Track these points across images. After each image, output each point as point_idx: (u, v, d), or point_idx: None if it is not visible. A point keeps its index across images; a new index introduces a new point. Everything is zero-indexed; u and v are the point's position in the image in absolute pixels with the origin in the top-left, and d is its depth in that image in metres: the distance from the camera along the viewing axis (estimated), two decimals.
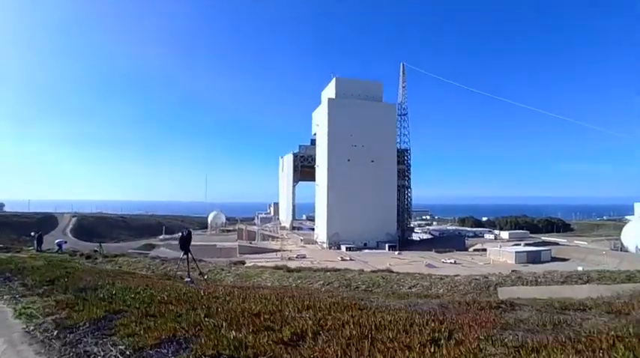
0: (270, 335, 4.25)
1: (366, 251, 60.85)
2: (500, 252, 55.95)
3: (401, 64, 76.27)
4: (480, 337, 4.23)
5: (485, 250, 60.94)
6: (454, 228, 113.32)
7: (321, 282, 21.47)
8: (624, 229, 62.20)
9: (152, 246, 67.06)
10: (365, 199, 63.99)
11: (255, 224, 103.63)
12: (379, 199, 65.24)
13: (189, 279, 12.08)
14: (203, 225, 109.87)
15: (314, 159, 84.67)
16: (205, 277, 14.00)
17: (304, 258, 53.94)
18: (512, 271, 45.86)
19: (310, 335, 4.30)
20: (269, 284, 19.94)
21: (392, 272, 26.30)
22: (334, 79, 69.65)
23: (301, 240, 70.04)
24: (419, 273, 25.85)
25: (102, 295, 6.65)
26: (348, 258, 52.96)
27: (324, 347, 3.81)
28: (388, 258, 53.58)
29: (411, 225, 78.67)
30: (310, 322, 4.73)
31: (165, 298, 6.29)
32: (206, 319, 4.94)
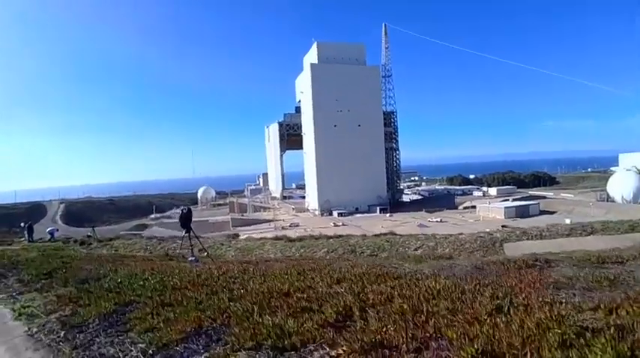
0: (312, 317, 3.74)
1: (358, 215, 61.15)
2: (490, 208, 56.84)
3: (383, 24, 74.15)
4: (545, 299, 3.80)
5: (474, 207, 61.87)
6: (442, 187, 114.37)
7: (325, 250, 21.04)
8: (610, 180, 63.49)
9: (144, 226, 66.18)
10: (354, 164, 63.65)
11: (245, 196, 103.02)
12: (368, 163, 64.98)
13: (193, 258, 11.25)
14: (193, 201, 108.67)
15: (300, 127, 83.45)
16: (207, 254, 13.26)
17: (297, 226, 53.90)
18: (503, 226, 47.05)
19: (357, 313, 3.80)
20: (272, 256, 19.50)
21: (395, 234, 26.13)
22: (315, 43, 67.44)
23: (293, 208, 69.95)
24: (423, 234, 25.80)
25: (107, 285, 6.01)
26: (340, 224, 53.14)
27: (381, 328, 3.30)
28: (380, 221, 53.99)
29: (401, 187, 78.93)
30: (350, 297, 4.24)
31: (179, 283, 5.69)
32: (232, 304, 4.38)
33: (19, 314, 5.02)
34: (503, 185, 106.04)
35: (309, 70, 65.19)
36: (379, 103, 67.98)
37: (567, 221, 45.34)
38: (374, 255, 18.11)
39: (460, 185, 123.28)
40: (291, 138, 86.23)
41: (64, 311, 4.90)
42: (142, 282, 5.91)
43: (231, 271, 6.72)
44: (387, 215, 58.29)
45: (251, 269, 6.89)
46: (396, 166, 72.71)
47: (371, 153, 65.73)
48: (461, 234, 23.13)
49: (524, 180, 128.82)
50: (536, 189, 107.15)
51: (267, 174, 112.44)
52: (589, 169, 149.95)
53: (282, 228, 52.26)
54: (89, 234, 36.25)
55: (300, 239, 25.29)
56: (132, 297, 5.08)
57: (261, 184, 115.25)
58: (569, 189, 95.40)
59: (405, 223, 51.15)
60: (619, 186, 59.16)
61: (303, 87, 68.95)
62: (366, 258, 17.60)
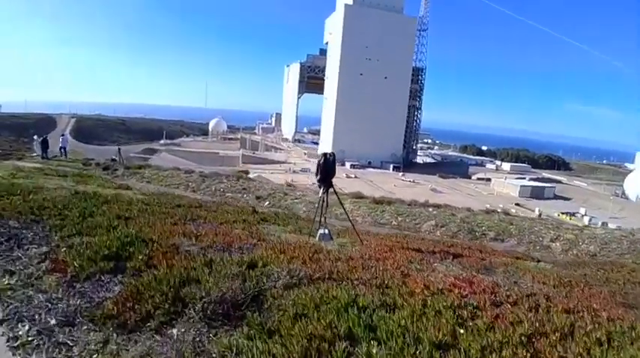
0: None
1: (370, 169, 60.21)
2: (505, 184, 55.52)
3: None
4: None
5: (488, 180, 60.59)
6: (456, 154, 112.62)
7: (432, 223, 17.03)
8: (628, 177, 61.70)
9: (153, 151, 65.59)
10: (374, 117, 61.71)
11: (256, 133, 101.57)
12: (389, 118, 63.04)
13: (325, 232, 7.47)
14: (203, 131, 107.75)
15: (322, 70, 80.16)
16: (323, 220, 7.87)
17: (308, 171, 53.21)
18: (516, 204, 46.28)
19: None
20: (359, 221, 15.90)
21: (508, 214, 22.09)
22: None
23: (305, 153, 68.90)
24: (553, 220, 22.43)
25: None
26: (353, 176, 52.35)
27: None
28: (392, 179, 53.14)
29: (415, 148, 77.27)
30: None
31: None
32: None
33: None
34: (516, 162, 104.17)
35: (342, 10, 61.29)
36: (410, 58, 64.73)
37: (582, 210, 44.70)
38: (499, 239, 15.59)
39: (474, 155, 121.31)
40: (311, 81, 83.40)
41: None
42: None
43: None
44: (400, 174, 57.33)
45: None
46: (415, 126, 70.69)
47: (393, 108, 63.56)
48: (604, 231, 18.87)
49: (538, 160, 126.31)
50: (549, 171, 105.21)
51: (280, 114, 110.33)
52: (604, 161, 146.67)
53: (294, 171, 51.57)
54: (114, 157, 33.13)
55: (389, 203, 20.60)
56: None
57: (273, 124, 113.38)
58: (582, 178, 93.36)
59: (417, 185, 50.34)
60: (636, 184, 57.53)
61: (333, 28, 65.22)
62: (495, 242, 15.15)
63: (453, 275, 5.05)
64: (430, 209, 19.38)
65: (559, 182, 67.66)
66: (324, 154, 7.52)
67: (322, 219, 7.54)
